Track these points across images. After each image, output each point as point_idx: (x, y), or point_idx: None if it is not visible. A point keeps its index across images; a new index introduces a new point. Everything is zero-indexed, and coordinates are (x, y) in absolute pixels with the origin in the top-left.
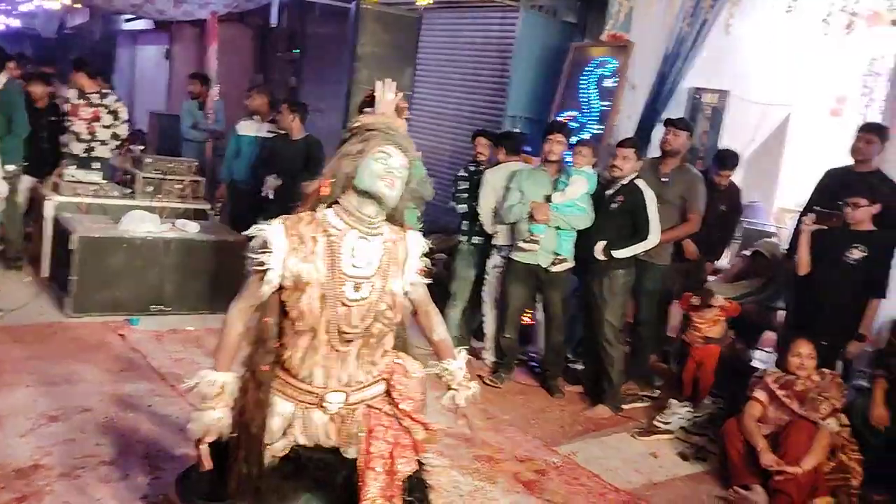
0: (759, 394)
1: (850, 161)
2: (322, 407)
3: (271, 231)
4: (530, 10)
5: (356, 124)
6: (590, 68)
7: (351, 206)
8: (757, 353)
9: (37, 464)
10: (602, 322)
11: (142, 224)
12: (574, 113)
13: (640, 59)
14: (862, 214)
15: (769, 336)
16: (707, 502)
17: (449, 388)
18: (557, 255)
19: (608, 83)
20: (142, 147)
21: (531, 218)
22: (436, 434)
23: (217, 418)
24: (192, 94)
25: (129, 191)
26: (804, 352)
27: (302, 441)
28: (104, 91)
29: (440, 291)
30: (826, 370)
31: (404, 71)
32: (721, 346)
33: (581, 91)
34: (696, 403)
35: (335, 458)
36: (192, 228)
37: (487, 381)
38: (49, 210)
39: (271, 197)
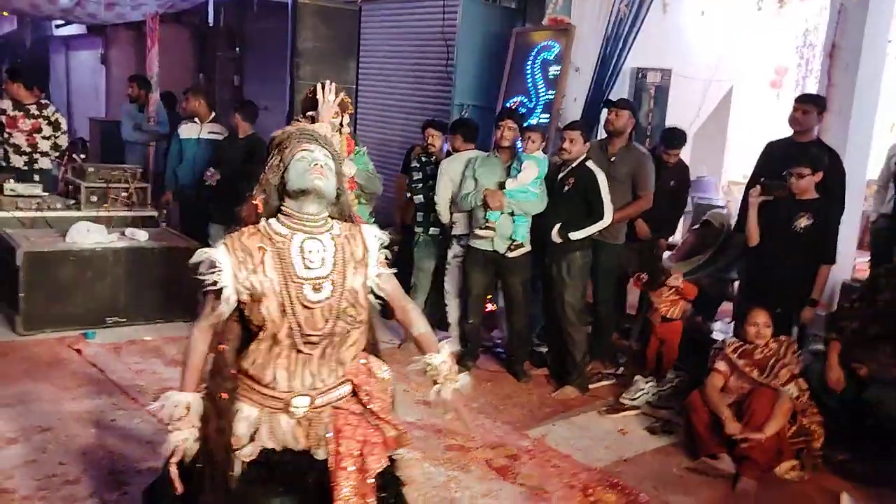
0: (720, 365)
1: (790, 132)
2: (288, 411)
3: (214, 251)
4: None
5: (270, 142)
6: (533, 53)
7: (291, 209)
8: (716, 325)
9: None
10: (563, 304)
11: (89, 235)
12: (521, 98)
13: (582, 41)
14: (806, 183)
15: (726, 307)
16: (677, 474)
17: (434, 383)
18: (514, 240)
19: (552, 67)
20: (83, 156)
21: (486, 205)
22: (406, 435)
23: (184, 439)
24: (131, 97)
25: (72, 202)
26: (760, 320)
27: (270, 445)
28: (42, 101)
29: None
30: (782, 337)
31: (347, 64)
32: (682, 322)
33: (526, 76)
34: (659, 378)
35: (305, 461)
36: (141, 237)
37: None
38: None
39: (213, 184)
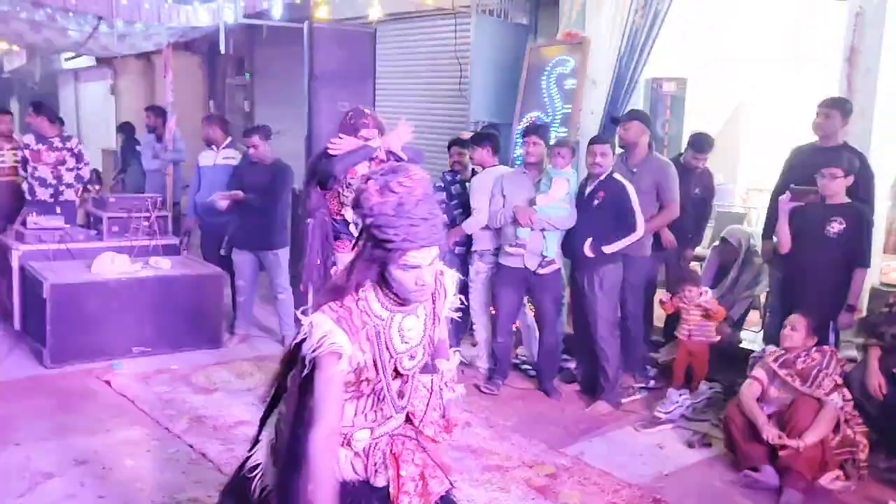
0: (758, 372)
1: (808, 138)
2: (349, 445)
3: (341, 342)
4: (481, 15)
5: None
6: (548, 68)
7: (391, 292)
8: (744, 334)
9: None
10: (595, 318)
11: (113, 266)
12: (537, 113)
13: (597, 54)
14: (837, 186)
15: (752, 317)
16: (720, 487)
17: None
18: (544, 256)
19: (568, 82)
20: (97, 186)
21: (515, 222)
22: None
23: None
24: (149, 126)
25: (94, 232)
26: (790, 323)
27: None
28: (65, 135)
29: None
30: (825, 347)
31: (364, 85)
32: (711, 338)
33: (542, 91)
34: (692, 391)
35: (365, 489)
36: (164, 265)
37: (484, 389)
38: (15, 260)
39: (222, 208)
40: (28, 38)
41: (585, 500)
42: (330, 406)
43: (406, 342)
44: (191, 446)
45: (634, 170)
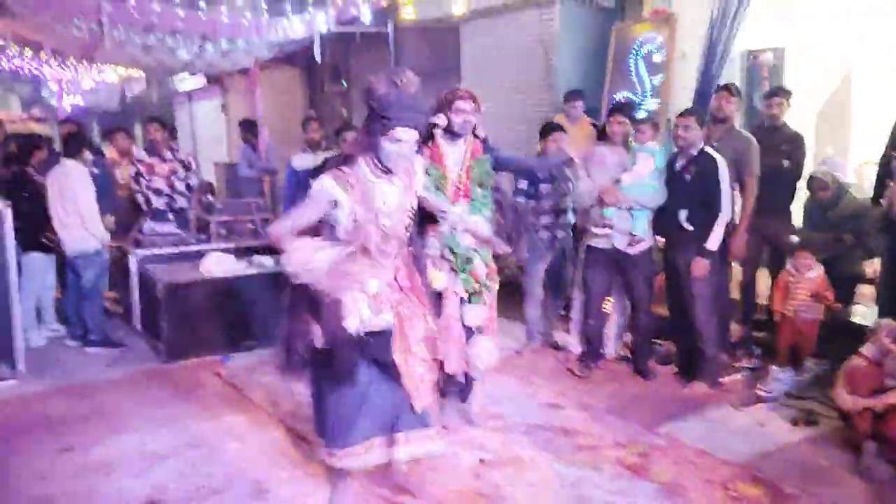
0: (867, 348)
1: None
2: (363, 291)
3: (334, 191)
4: (567, 3)
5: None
6: (636, 46)
7: (380, 162)
8: (857, 308)
9: (152, 499)
10: (693, 299)
11: (220, 265)
12: (626, 93)
13: (686, 28)
14: None
15: (866, 291)
16: (825, 466)
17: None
18: (633, 235)
19: (657, 58)
20: (210, 196)
21: (602, 202)
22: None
23: None
24: (245, 139)
25: (204, 236)
26: None
27: None
28: (173, 146)
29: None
30: None
31: (450, 81)
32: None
33: (630, 69)
34: (797, 368)
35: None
36: (267, 263)
37: (577, 373)
38: (133, 264)
39: None
40: (142, 62)
41: (680, 478)
42: (298, 217)
43: (384, 204)
44: (290, 430)
45: (715, 144)
